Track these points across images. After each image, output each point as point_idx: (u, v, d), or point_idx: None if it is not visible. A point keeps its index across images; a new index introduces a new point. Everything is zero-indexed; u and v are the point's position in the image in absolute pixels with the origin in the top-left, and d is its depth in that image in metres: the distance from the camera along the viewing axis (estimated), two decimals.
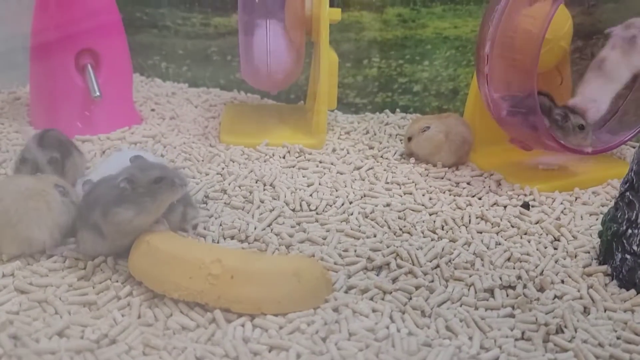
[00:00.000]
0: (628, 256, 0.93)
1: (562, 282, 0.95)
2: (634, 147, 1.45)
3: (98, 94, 1.39)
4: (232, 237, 1.05)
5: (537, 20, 1.20)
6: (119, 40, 1.47)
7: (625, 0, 1.40)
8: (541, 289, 0.93)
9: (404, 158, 1.39)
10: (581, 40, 1.45)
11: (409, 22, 1.59)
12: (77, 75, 1.42)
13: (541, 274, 0.97)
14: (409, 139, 1.37)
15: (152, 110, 1.62)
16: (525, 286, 0.93)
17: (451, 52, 1.60)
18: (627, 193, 0.95)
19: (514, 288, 0.93)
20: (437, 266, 0.98)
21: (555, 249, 1.05)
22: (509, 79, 1.28)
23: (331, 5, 1.40)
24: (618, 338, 0.83)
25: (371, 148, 1.44)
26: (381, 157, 1.40)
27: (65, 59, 1.40)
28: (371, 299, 0.90)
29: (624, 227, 0.94)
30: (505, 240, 1.07)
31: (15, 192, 0.96)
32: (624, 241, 0.94)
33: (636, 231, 0.92)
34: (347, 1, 1.60)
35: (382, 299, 0.90)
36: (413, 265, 0.98)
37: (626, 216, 0.95)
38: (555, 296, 0.92)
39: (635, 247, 0.92)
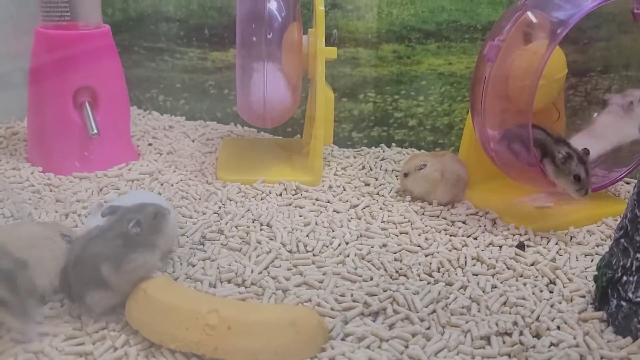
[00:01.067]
0: (624, 303, 0.93)
1: (558, 328, 0.95)
2: (627, 183, 1.47)
3: (96, 131, 1.40)
4: (229, 281, 1.05)
5: (533, 60, 1.21)
6: (116, 77, 1.48)
7: (617, 39, 1.42)
8: (537, 336, 0.94)
9: (400, 195, 1.40)
10: (575, 77, 1.47)
11: (404, 59, 1.60)
12: (75, 112, 1.42)
13: (537, 319, 0.97)
14: (405, 175, 1.38)
15: (150, 144, 1.63)
16: (521, 333, 0.93)
17: (446, 88, 1.61)
18: (622, 240, 0.96)
19: (510, 335, 0.93)
20: (434, 311, 0.99)
21: (550, 292, 1.05)
22: (504, 118, 1.29)
23: (327, 42, 1.42)
24: None
25: (367, 185, 1.45)
26: (377, 194, 1.40)
27: (63, 97, 1.41)
28: (368, 347, 0.90)
29: (619, 274, 0.95)
30: (501, 283, 1.07)
31: (20, 240, 0.96)
32: (620, 288, 0.94)
33: (631, 278, 0.93)
34: (343, 37, 1.62)
35: (379, 347, 0.91)
36: (410, 310, 0.98)
37: (621, 263, 0.95)
38: (552, 343, 0.92)
39: (630, 294, 0.92)
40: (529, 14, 1.21)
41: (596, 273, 1.01)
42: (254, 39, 1.34)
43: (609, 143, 1.30)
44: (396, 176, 1.49)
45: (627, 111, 1.30)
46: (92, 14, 1.42)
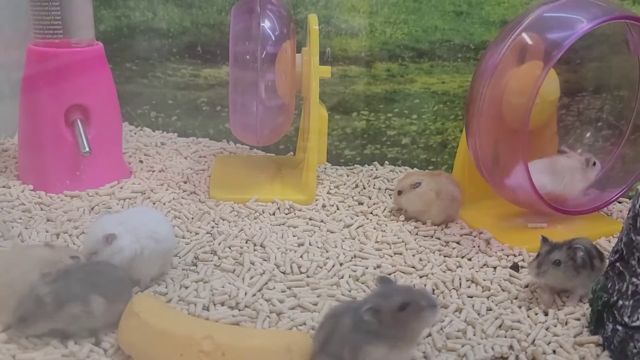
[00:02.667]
0: (619, 327, 0.93)
1: (554, 352, 0.95)
2: (620, 203, 1.47)
3: (87, 149, 1.39)
4: (223, 304, 1.04)
5: (527, 81, 1.21)
6: (109, 95, 1.47)
7: (609, 60, 1.43)
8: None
9: (393, 215, 1.39)
10: (567, 97, 1.47)
11: (397, 77, 1.61)
12: (67, 130, 1.41)
13: (533, 343, 0.97)
14: (399, 192, 1.38)
15: (141, 161, 1.62)
16: (517, 357, 0.93)
17: (439, 107, 1.62)
18: (617, 264, 0.96)
19: (506, 359, 0.93)
20: (429, 335, 0.98)
21: (546, 314, 1.05)
22: (497, 137, 1.29)
23: (321, 60, 1.42)
24: None
25: (360, 204, 1.44)
26: (371, 213, 1.40)
27: (55, 114, 1.39)
28: None
29: (615, 298, 0.95)
30: (496, 305, 1.07)
31: (27, 263, 0.96)
32: (615, 312, 0.94)
33: (627, 302, 0.93)
34: (336, 56, 1.62)
35: None
36: None
37: (616, 287, 0.95)
38: None
39: (626, 319, 0.92)
40: (524, 35, 1.22)
41: (591, 296, 1.01)
42: (247, 57, 1.34)
43: (561, 184, 1.33)
44: (389, 194, 1.48)
45: (585, 169, 1.35)
46: (84, 31, 1.42)
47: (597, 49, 1.43)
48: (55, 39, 1.38)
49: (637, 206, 0.93)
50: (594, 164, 1.36)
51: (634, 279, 0.92)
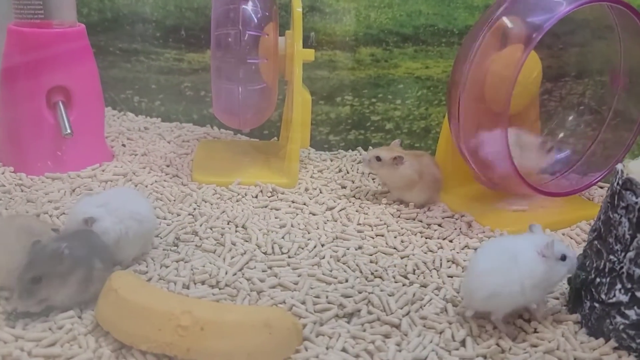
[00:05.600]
0: (597, 305, 0.94)
1: (535, 330, 0.96)
2: (601, 188, 1.48)
3: (69, 131, 1.38)
4: (203, 283, 1.04)
5: (508, 64, 1.21)
6: (91, 77, 1.46)
7: (591, 45, 1.43)
8: (514, 338, 0.94)
9: (376, 198, 1.40)
10: (550, 82, 1.48)
11: (381, 62, 1.61)
12: (48, 112, 1.40)
13: (513, 322, 0.97)
14: (378, 159, 1.34)
15: (124, 145, 1.61)
16: (499, 336, 0.93)
17: (423, 92, 1.62)
18: (595, 242, 0.96)
19: (484, 337, 0.93)
20: (408, 313, 0.98)
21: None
22: (480, 121, 1.30)
23: (305, 45, 1.42)
24: None
25: (343, 187, 1.44)
26: (353, 197, 1.40)
27: (36, 96, 1.39)
28: (342, 349, 0.90)
29: (593, 276, 0.95)
30: None
31: (20, 230, 0.97)
32: (593, 290, 0.95)
33: (604, 280, 0.93)
34: (320, 40, 1.61)
35: (353, 348, 0.90)
36: (384, 312, 0.98)
37: (594, 265, 0.96)
38: (531, 345, 0.92)
39: (603, 296, 0.93)
40: (504, 18, 1.22)
41: (570, 275, 1.01)
42: (230, 40, 1.34)
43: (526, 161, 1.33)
44: (373, 179, 1.49)
45: (544, 153, 1.37)
46: (66, 12, 1.40)
47: (579, 34, 1.43)
48: (35, 19, 1.37)
49: (615, 184, 0.94)
50: (550, 149, 1.37)
51: (611, 257, 0.93)
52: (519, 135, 1.34)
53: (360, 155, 1.64)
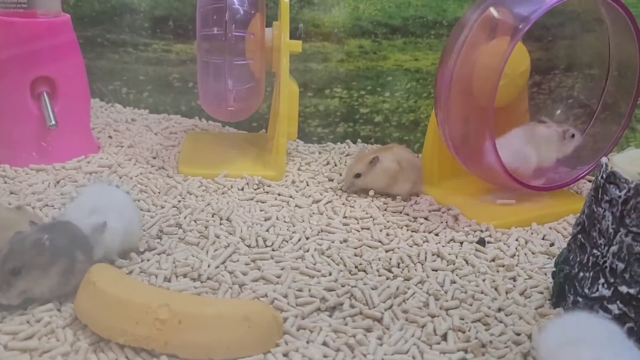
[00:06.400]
0: (580, 299, 0.93)
1: (515, 324, 0.95)
2: (590, 182, 1.47)
3: (54, 122, 1.36)
4: (185, 275, 1.03)
5: (495, 56, 1.21)
6: (76, 68, 1.45)
7: (580, 37, 1.42)
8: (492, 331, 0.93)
9: (362, 191, 1.39)
10: (539, 75, 1.47)
11: (370, 54, 1.60)
12: (33, 103, 1.39)
13: (495, 316, 0.96)
14: (357, 175, 1.35)
15: (110, 137, 1.60)
16: (477, 329, 0.93)
17: (412, 84, 1.61)
18: (579, 236, 0.96)
19: (465, 331, 0.93)
20: (391, 307, 0.98)
21: (509, 288, 1.05)
22: (467, 114, 1.29)
23: (294, 36, 1.40)
24: None
25: (331, 180, 1.44)
26: (340, 189, 1.39)
27: (20, 86, 1.37)
28: (323, 343, 0.89)
29: (576, 270, 0.95)
30: (460, 278, 1.07)
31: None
32: (576, 284, 0.94)
33: (587, 274, 0.93)
34: (309, 32, 1.60)
35: (334, 342, 0.89)
36: (367, 306, 0.97)
37: (578, 259, 0.95)
38: (509, 340, 0.91)
39: (587, 290, 0.92)
40: (492, 9, 1.21)
41: (554, 269, 1.01)
42: (216, 30, 1.32)
43: (541, 155, 1.34)
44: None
45: (563, 140, 1.36)
46: (50, 2, 1.39)
47: (568, 26, 1.43)
48: (18, 8, 1.35)
49: (599, 178, 0.93)
50: (572, 135, 1.36)
51: (594, 250, 0.92)
52: (534, 129, 1.33)
53: (349, 147, 1.63)
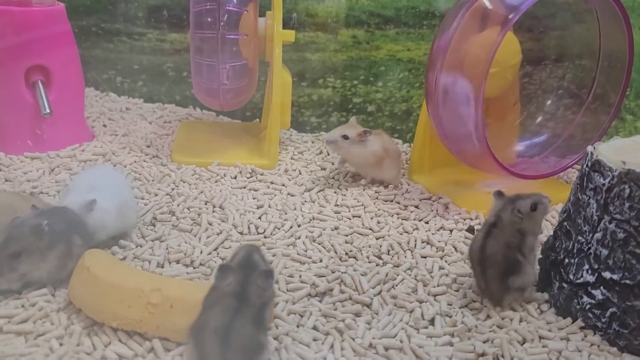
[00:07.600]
0: (565, 285, 0.95)
1: (502, 309, 0.97)
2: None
3: (48, 111, 1.37)
4: (178, 262, 1.04)
5: (485, 46, 1.21)
6: (70, 56, 1.46)
7: (571, 28, 1.43)
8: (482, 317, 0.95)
9: (354, 180, 1.40)
10: (530, 65, 1.48)
11: (363, 44, 1.61)
12: (27, 91, 1.40)
13: (482, 302, 0.98)
14: (345, 137, 1.32)
15: (105, 126, 1.61)
16: (464, 314, 0.95)
17: (404, 74, 1.62)
18: (565, 223, 0.97)
19: (452, 316, 0.94)
20: (380, 292, 0.99)
21: None
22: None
23: (286, 26, 1.41)
24: None
25: (323, 169, 1.45)
26: (332, 178, 1.41)
27: (15, 75, 1.38)
28: (313, 327, 0.91)
29: (562, 256, 0.97)
30: (449, 265, 1.08)
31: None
32: (562, 270, 0.96)
33: (572, 260, 0.94)
34: (302, 22, 1.61)
35: (323, 326, 0.91)
36: (356, 292, 0.99)
37: (564, 245, 0.97)
38: (494, 324, 0.93)
39: (572, 276, 0.94)
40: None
41: (541, 256, 1.02)
42: (209, 19, 1.33)
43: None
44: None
45: None
46: None
47: (560, 17, 1.44)
48: None
49: (585, 166, 0.94)
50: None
51: (579, 237, 0.94)
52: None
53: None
